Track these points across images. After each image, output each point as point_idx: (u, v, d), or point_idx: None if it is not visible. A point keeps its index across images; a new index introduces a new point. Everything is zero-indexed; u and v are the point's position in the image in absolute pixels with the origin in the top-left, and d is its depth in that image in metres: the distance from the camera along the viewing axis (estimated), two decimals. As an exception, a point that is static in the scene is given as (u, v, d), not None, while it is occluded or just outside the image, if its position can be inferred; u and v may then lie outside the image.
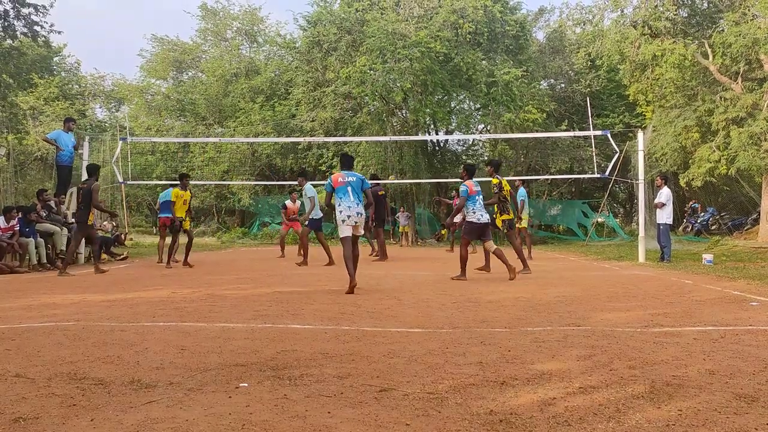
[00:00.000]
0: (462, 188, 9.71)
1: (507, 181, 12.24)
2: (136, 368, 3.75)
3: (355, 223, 7.93)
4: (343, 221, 7.92)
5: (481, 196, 9.77)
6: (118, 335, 4.82)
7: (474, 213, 9.56)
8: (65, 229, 12.88)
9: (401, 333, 4.96)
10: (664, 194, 13.20)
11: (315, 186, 13.87)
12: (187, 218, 12.80)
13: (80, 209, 11.00)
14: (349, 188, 8.00)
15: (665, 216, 13.19)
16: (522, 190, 15.31)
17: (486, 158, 31.69)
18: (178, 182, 12.89)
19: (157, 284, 8.88)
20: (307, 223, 13.07)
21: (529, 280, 9.51)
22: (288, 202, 15.77)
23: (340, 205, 7.97)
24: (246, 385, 3.37)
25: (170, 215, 12.58)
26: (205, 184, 27.85)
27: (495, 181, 11.22)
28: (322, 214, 13.08)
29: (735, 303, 6.71)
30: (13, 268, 11.13)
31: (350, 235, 7.91)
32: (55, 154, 13.39)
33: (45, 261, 11.93)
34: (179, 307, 6.44)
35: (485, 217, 9.62)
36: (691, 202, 25.14)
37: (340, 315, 5.90)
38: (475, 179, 9.92)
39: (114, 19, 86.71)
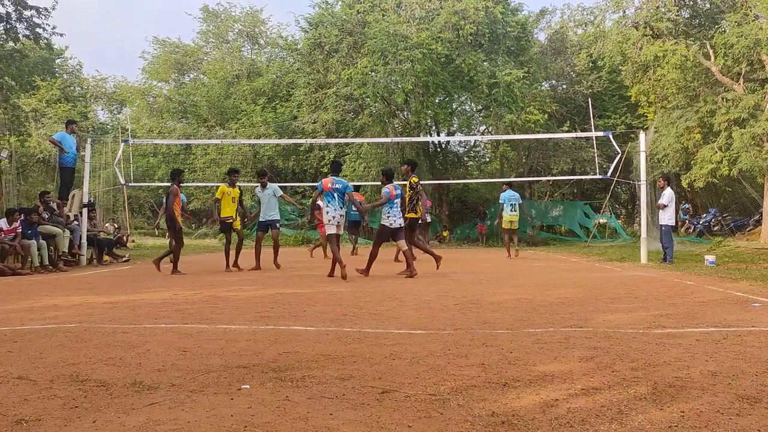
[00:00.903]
0: (384, 191, 10.25)
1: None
2: (138, 370, 3.75)
3: (338, 223, 9.89)
4: (329, 221, 9.79)
5: (399, 200, 10.35)
6: (120, 337, 4.82)
7: (389, 217, 10.16)
8: (67, 231, 12.90)
9: (403, 334, 4.96)
10: (667, 195, 13.19)
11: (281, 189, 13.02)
12: (237, 217, 12.06)
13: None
14: (336, 194, 9.77)
15: (667, 217, 13.19)
16: (507, 193, 15.58)
17: (487, 159, 31.77)
18: (227, 178, 12.20)
19: (158, 286, 8.89)
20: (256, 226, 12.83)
21: (531, 281, 9.50)
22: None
23: (327, 206, 9.79)
24: (248, 386, 3.37)
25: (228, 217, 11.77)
26: (207, 186, 27.88)
27: (415, 180, 11.00)
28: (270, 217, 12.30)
29: (737, 304, 6.70)
30: (16, 269, 11.14)
31: (335, 232, 9.86)
32: (58, 156, 13.42)
33: (47, 263, 11.94)
34: (181, 308, 6.45)
35: (398, 222, 10.20)
36: (682, 204, 25.13)
37: (341, 316, 5.90)
38: (396, 183, 10.60)
39: (115, 20, 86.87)
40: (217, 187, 13.70)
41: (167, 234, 12.83)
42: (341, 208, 9.84)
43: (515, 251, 15.93)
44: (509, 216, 15.61)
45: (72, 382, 3.45)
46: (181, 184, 11.88)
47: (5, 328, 5.26)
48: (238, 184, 12.30)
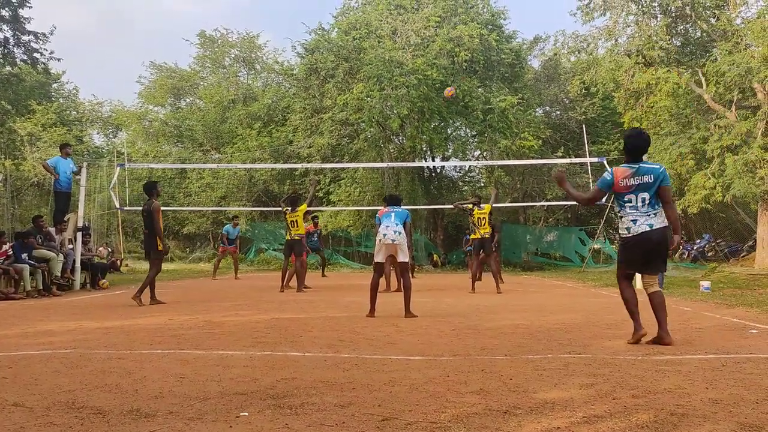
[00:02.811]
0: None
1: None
2: (134, 397, 3.71)
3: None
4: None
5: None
6: (115, 363, 4.78)
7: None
8: (60, 255, 12.84)
9: (401, 361, 4.93)
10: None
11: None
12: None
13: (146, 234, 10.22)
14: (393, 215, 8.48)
15: None
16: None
17: (482, 184, 31.87)
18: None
19: (153, 311, 8.83)
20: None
21: (528, 307, 9.48)
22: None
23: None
24: (246, 414, 3.34)
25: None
26: (202, 210, 27.84)
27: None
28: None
29: (734, 330, 6.70)
30: (8, 294, 11.06)
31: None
32: (52, 180, 13.40)
33: (41, 287, 11.86)
34: (177, 334, 6.40)
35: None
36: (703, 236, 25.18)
37: (339, 342, 5.87)
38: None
39: (112, 45, 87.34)
40: (215, 211, 14.59)
41: (149, 258, 10.79)
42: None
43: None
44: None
45: (68, 410, 3.41)
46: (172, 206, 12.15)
47: (-1, 353, 5.21)
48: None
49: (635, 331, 5.78)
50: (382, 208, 8.56)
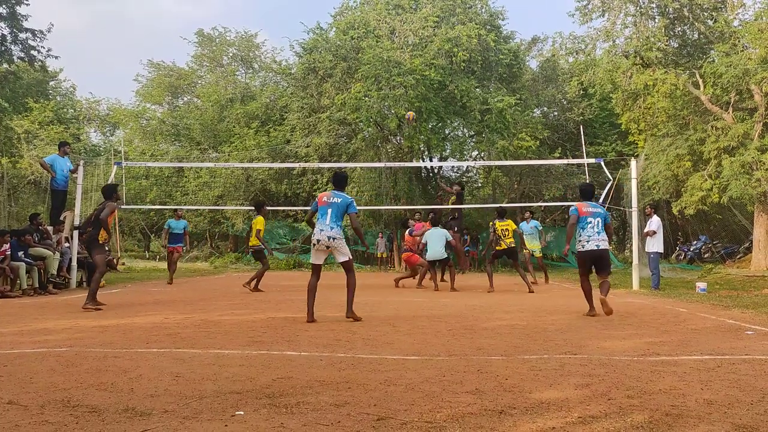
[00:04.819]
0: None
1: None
2: (130, 395, 3.71)
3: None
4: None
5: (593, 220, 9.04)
6: (111, 361, 4.77)
7: (579, 241, 8.95)
8: (57, 254, 12.81)
9: (397, 360, 4.93)
10: (654, 223, 13.41)
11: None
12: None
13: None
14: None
15: (655, 244, 13.38)
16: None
17: (480, 185, 31.89)
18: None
19: (149, 310, 8.81)
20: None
21: (524, 307, 9.49)
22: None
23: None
24: (242, 413, 3.33)
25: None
26: (199, 209, 27.81)
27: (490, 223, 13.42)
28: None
29: (730, 332, 6.71)
30: (5, 292, 11.03)
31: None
32: (49, 178, 13.36)
33: (37, 285, 11.83)
34: (173, 332, 6.39)
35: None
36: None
37: (335, 342, 5.86)
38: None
39: (110, 43, 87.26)
40: (212, 210, 14.29)
41: (92, 254, 9.60)
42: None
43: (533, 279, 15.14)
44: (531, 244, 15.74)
45: (63, 408, 3.40)
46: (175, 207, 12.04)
47: (-6, 351, 5.19)
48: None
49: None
50: (322, 193, 7.82)
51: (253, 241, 13.06)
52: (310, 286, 7.63)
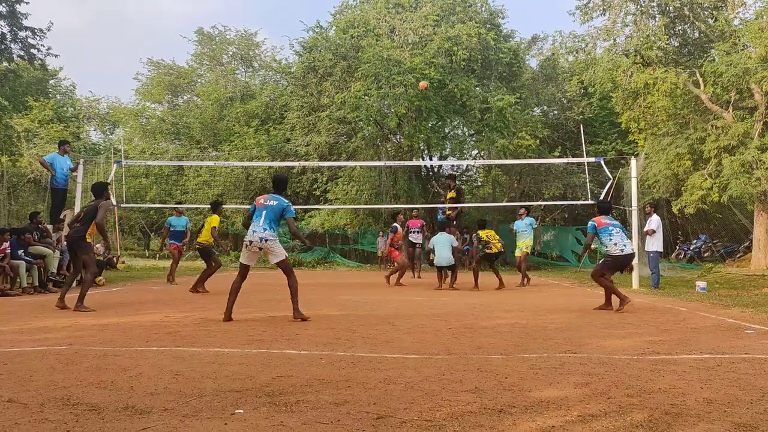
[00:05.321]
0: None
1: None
2: (130, 394, 3.71)
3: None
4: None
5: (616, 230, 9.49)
6: (111, 360, 4.77)
7: (615, 245, 9.28)
8: (57, 252, 12.81)
9: (397, 359, 4.93)
10: (654, 222, 13.41)
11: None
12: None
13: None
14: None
15: (655, 243, 13.39)
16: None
17: (479, 183, 31.87)
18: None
19: (149, 308, 8.82)
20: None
21: (524, 306, 9.49)
22: None
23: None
24: (242, 411, 3.34)
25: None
26: (199, 208, 27.79)
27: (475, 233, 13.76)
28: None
29: (730, 331, 6.72)
30: (5, 290, 11.03)
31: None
32: (49, 177, 13.35)
33: (37, 284, 11.83)
34: (173, 331, 6.39)
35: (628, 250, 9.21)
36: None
37: (334, 340, 5.87)
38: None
39: (110, 42, 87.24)
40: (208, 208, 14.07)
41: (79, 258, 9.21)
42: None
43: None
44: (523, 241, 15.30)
45: (63, 406, 3.40)
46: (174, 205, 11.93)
47: (-6, 350, 5.19)
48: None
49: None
50: (260, 196, 7.72)
51: (203, 238, 12.67)
52: (233, 286, 7.54)
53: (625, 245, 8.97)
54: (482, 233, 13.57)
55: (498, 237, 13.76)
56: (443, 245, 13.16)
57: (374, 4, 25.72)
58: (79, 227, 8.98)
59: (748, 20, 18.38)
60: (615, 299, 8.89)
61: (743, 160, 16.61)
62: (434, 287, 13.48)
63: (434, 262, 13.45)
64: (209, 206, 13.30)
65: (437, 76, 22.40)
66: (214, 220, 12.56)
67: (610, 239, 8.95)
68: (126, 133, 35.14)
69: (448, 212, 14.94)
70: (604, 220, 9.20)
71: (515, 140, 23.26)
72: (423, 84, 15.75)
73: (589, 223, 9.31)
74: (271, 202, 7.47)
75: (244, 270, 7.62)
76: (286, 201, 7.57)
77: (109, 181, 11.95)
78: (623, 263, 9.11)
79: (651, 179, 20.32)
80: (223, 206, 13.17)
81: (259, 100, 30.71)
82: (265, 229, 7.31)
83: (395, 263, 15.25)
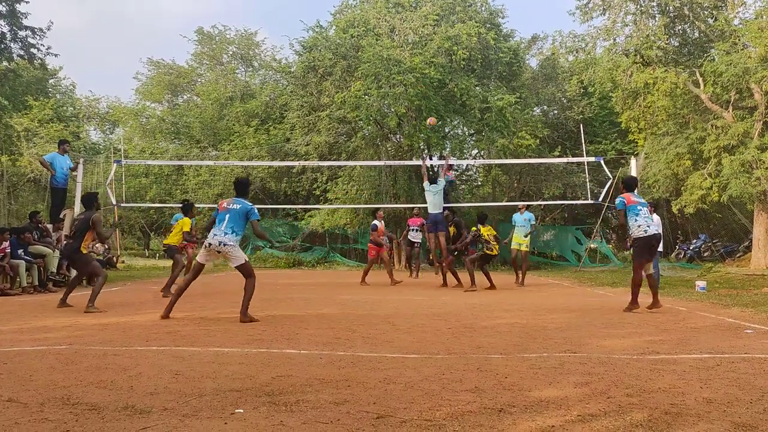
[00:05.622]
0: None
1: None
2: (129, 393, 3.71)
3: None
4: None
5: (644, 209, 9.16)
6: (111, 359, 4.77)
7: (639, 226, 8.92)
8: (57, 252, 12.81)
9: (397, 359, 4.93)
10: (654, 221, 13.35)
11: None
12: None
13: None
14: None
15: None
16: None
17: (479, 183, 31.88)
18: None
19: (149, 308, 8.82)
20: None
21: (524, 306, 9.49)
22: None
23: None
24: (241, 411, 3.34)
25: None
26: (198, 207, 27.75)
27: (474, 228, 13.35)
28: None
29: (730, 330, 6.72)
30: (4, 290, 11.03)
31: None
32: (49, 176, 13.35)
33: (37, 283, 11.83)
34: (172, 330, 6.39)
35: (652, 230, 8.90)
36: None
37: (334, 340, 5.87)
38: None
39: (110, 42, 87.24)
40: (212, 209, 13.67)
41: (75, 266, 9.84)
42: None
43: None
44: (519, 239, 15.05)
45: (63, 405, 3.41)
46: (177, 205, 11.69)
47: (-6, 349, 5.19)
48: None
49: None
50: (223, 200, 7.72)
51: (171, 239, 11.84)
52: (182, 284, 7.67)
53: (648, 226, 8.60)
54: (483, 231, 13.24)
55: (496, 235, 13.53)
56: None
57: (374, 4, 25.69)
58: (72, 242, 9.01)
59: (747, 20, 18.36)
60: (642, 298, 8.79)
61: (743, 160, 16.60)
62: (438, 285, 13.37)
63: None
64: (180, 207, 12.46)
65: (437, 75, 22.39)
66: (185, 222, 11.83)
67: (636, 220, 8.57)
68: (126, 133, 35.10)
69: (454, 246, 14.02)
70: (633, 197, 8.78)
71: (515, 140, 23.23)
72: (432, 120, 15.39)
73: (617, 199, 8.85)
74: (235, 206, 7.59)
75: (198, 268, 7.72)
76: (250, 204, 7.69)
77: (97, 192, 11.62)
78: (649, 244, 8.63)
79: (651, 179, 20.32)
80: (195, 206, 12.36)
81: (259, 99, 30.66)
82: (225, 233, 7.40)
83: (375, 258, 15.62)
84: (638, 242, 8.63)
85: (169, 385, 3.91)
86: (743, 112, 18.42)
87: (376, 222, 15.53)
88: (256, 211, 7.69)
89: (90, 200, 9.26)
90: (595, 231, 23.96)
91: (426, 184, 13.61)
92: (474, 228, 13.47)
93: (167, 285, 11.15)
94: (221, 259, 7.97)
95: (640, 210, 8.66)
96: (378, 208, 16.71)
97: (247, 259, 7.65)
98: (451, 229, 13.93)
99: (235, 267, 7.53)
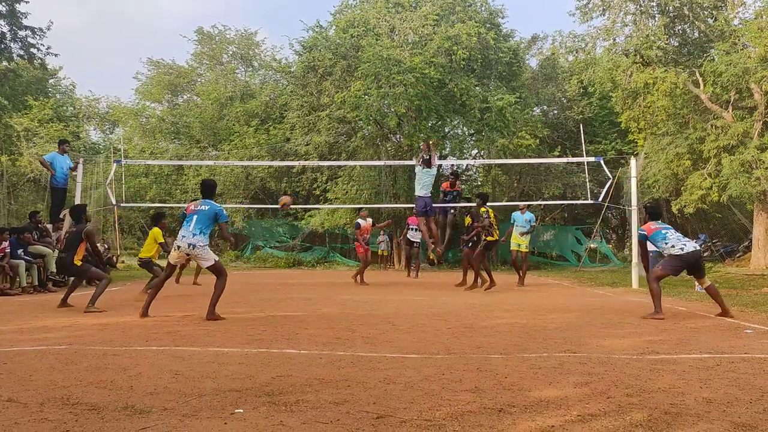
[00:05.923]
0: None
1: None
2: (129, 393, 3.71)
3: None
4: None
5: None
6: (111, 359, 4.77)
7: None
8: (56, 252, 12.80)
9: (396, 359, 4.93)
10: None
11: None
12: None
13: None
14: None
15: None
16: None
17: (479, 183, 31.88)
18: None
19: (149, 308, 8.79)
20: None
21: (524, 305, 9.49)
22: None
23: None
24: (241, 411, 3.34)
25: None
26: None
27: (483, 210, 12.80)
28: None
29: (729, 330, 6.72)
30: (4, 290, 11.03)
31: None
32: (49, 176, 13.36)
33: (36, 283, 11.83)
34: (172, 330, 6.39)
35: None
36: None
37: (334, 340, 5.87)
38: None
39: (110, 42, 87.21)
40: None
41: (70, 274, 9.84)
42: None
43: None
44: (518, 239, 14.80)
45: (63, 405, 3.41)
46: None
47: (-6, 349, 5.19)
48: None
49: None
50: (191, 202, 7.77)
51: (144, 253, 11.31)
52: (157, 283, 7.88)
53: (684, 244, 8.05)
54: (483, 210, 12.72)
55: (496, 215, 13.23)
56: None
57: (374, 4, 25.69)
58: (65, 257, 9.01)
59: (747, 20, 18.35)
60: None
61: (743, 160, 16.59)
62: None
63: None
64: (150, 217, 12.22)
65: (437, 75, 22.39)
66: (157, 233, 11.35)
67: (666, 242, 8.05)
68: (126, 133, 35.07)
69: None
70: (653, 225, 8.34)
71: (515, 140, 23.24)
72: (286, 199, 14.17)
73: (639, 232, 8.68)
74: (203, 207, 7.64)
75: (170, 269, 7.89)
76: (219, 206, 7.75)
77: (86, 204, 11.40)
78: (687, 262, 8.04)
79: (650, 179, 20.31)
80: (164, 220, 11.99)
81: (259, 99, 30.65)
82: (194, 235, 7.46)
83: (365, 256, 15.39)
84: (674, 259, 8.08)
85: (168, 385, 3.92)
86: (743, 112, 18.41)
87: (359, 221, 15.51)
88: (225, 213, 7.79)
89: (79, 213, 9.27)
90: (595, 231, 23.96)
91: (420, 167, 13.09)
92: (483, 210, 12.85)
93: (148, 291, 10.99)
94: (193, 261, 8.11)
95: (666, 233, 8.18)
96: (361, 208, 16.70)
97: (217, 259, 7.74)
98: (467, 219, 13.74)
99: (207, 267, 7.62)
